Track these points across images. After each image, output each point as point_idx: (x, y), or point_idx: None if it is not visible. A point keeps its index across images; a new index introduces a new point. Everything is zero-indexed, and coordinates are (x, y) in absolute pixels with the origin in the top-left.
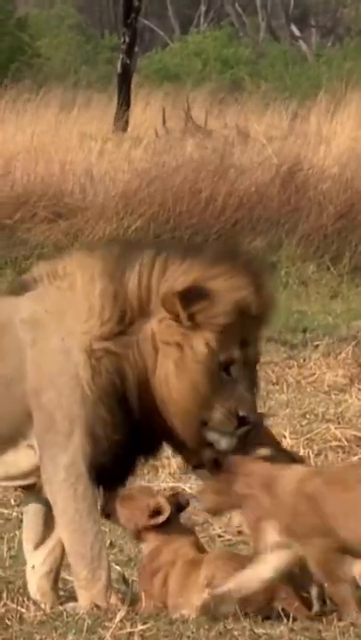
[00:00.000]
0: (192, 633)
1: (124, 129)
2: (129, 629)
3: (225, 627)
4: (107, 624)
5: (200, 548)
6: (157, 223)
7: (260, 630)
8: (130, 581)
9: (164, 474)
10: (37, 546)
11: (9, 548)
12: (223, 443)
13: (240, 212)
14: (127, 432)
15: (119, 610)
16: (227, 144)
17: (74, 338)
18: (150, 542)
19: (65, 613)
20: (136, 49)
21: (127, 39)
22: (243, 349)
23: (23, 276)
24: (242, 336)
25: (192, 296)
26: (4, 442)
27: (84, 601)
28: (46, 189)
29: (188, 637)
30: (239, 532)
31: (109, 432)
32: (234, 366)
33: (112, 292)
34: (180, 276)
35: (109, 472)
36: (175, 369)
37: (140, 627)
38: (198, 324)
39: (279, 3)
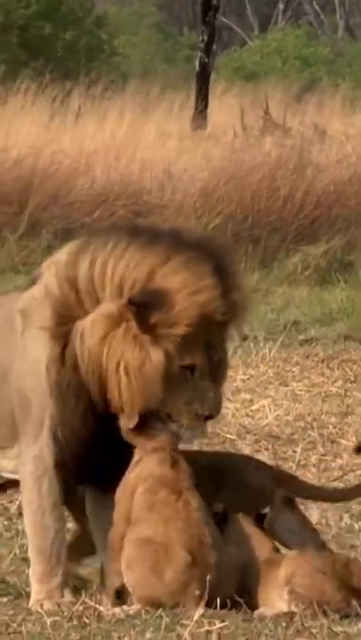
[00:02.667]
0: (270, 631)
1: (203, 127)
2: (207, 627)
3: (303, 624)
4: (185, 622)
5: (275, 548)
6: (235, 221)
7: (338, 628)
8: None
9: None
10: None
11: None
12: (185, 436)
13: (318, 210)
14: (96, 426)
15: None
16: (305, 142)
17: (44, 325)
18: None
19: (143, 611)
20: (215, 47)
21: (206, 37)
22: (207, 352)
23: (36, 271)
24: (206, 340)
25: (149, 305)
26: (7, 436)
27: (37, 595)
28: (125, 188)
29: (266, 635)
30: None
31: (76, 424)
32: (197, 369)
33: (69, 277)
34: (133, 266)
35: (78, 467)
36: (126, 375)
37: (218, 625)
38: (156, 334)
39: (357, 1)
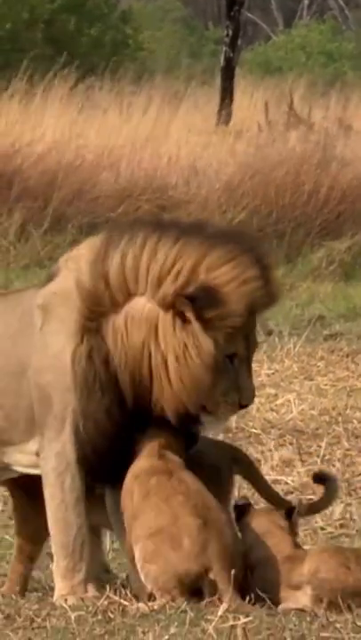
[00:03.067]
0: (294, 626)
1: (228, 122)
2: (232, 622)
3: (328, 619)
4: (209, 617)
5: (296, 544)
6: (260, 216)
7: None
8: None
9: (266, 467)
10: None
11: (112, 542)
12: (213, 426)
13: (343, 204)
14: (121, 421)
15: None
16: (329, 137)
17: (70, 319)
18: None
19: (167, 606)
20: (239, 42)
21: (231, 32)
22: (246, 341)
23: (53, 267)
24: (246, 330)
25: (202, 301)
26: (24, 431)
27: (61, 590)
28: (150, 182)
29: (291, 630)
30: (341, 525)
31: (101, 420)
32: (237, 358)
33: (98, 272)
34: (174, 259)
35: (103, 462)
36: (177, 363)
37: (242, 620)
38: (210, 326)
39: None
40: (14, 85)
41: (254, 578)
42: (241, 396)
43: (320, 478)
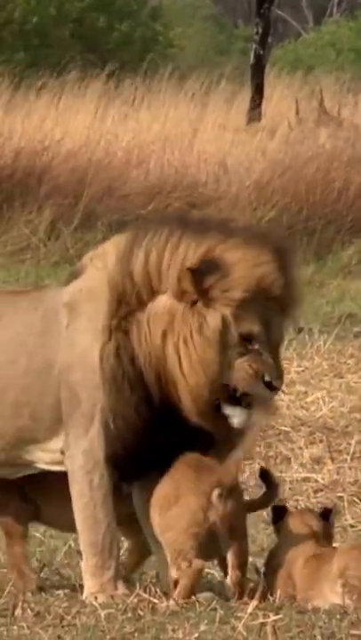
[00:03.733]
0: (324, 623)
1: (258, 119)
2: (261, 620)
3: (358, 617)
4: (239, 615)
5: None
6: (290, 214)
7: None
8: (262, 572)
9: (296, 464)
10: None
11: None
12: (237, 417)
13: None
14: (149, 417)
15: (130, 600)
16: (359, 134)
17: (97, 317)
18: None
19: (197, 604)
20: (269, 39)
21: (260, 29)
22: (265, 329)
23: (77, 265)
24: (263, 316)
25: (204, 269)
26: (48, 429)
27: (90, 588)
28: (180, 180)
29: (320, 628)
30: None
31: (130, 417)
32: (256, 340)
33: (124, 270)
34: (191, 250)
35: (132, 460)
36: (185, 346)
37: (272, 617)
38: (212, 298)
39: None
40: (44, 82)
41: (283, 576)
42: (264, 369)
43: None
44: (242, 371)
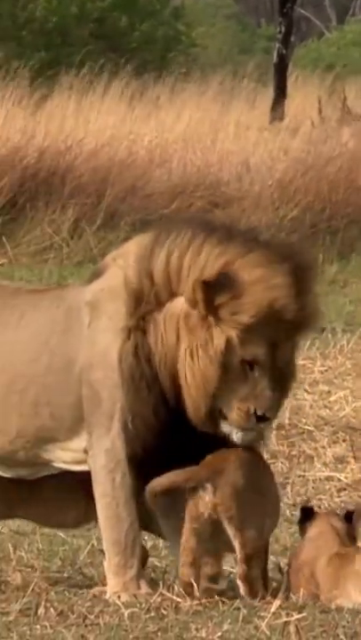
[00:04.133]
0: (347, 622)
1: (281, 118)
2: (285, 619)
3: None
4: (262, 614)
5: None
6: (313, 212)
7: None
8: (285, 571)
9: (319, 464)
10: None
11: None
12: (236, 437)
13: None
14: (167, 418)
15: (153, 598)
16: None
17: (117, 316)
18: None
19: (220, 603)
20: (292, 38)
21: (283, 28)
22: (272, 352)
23: (99, 264)
24: (272, 339)
25: (218, 285)
26: (69, 428)
27: (113, 587)
28: (203, 179)
29: (344, 627)
30: None
31: (148, 417)
32: (258, 366)
33: (145, 270)
34: (212, 259)
35: (152, 460)
36: (190, 358)
37: (295, 616)
38: (221, 318)
39: None
40: (66, 81)
41: (307, 575)
42: (256, 404)
43: None
44: (235, 411)
